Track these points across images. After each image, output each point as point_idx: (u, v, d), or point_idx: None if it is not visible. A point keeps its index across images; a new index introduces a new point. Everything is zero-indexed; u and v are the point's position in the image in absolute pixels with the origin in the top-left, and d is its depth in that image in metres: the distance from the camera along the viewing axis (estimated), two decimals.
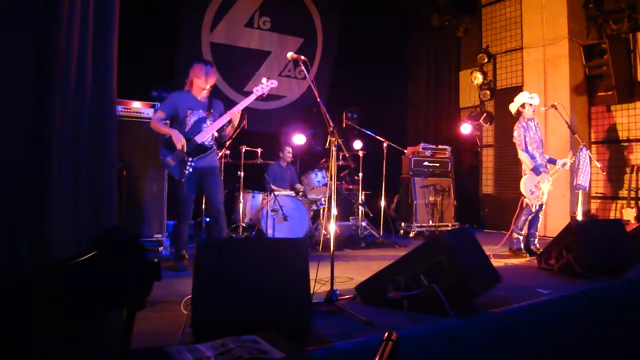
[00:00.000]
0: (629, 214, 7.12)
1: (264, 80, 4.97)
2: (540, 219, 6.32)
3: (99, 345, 1.91)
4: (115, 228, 1.73)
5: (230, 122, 4.94)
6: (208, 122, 4.90)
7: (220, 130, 5.01)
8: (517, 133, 6.17)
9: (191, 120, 4.86)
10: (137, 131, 5.89)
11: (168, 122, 5.06)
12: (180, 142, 4.70)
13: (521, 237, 6.16)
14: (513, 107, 6.36)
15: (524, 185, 6.04)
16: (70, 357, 1.69)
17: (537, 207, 6.07)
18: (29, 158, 2.34)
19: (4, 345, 1.51)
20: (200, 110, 4.91)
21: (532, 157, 6.09)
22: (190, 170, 4.77)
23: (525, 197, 6.06)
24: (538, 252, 5.60)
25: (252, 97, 4.91)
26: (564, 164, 6.14)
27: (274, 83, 5.00)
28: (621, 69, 7.53)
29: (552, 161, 6.28)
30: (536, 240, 6.27)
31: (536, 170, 6.03)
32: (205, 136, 4.85)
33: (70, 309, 1.59)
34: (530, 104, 6.22)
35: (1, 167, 2.27)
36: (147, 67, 6.91)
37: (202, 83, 4.90)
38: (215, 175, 5.01)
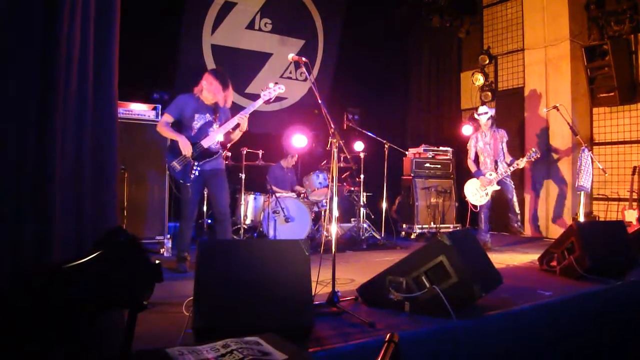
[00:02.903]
0: (631, 216, 7.10)
1: (271, 84, 4.96)
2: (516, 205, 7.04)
3: (100, 347, 1.91)
4: (116, 230, 1.73)
5: (237, 126, 4.91)
6: (214, 126, 4.89)
7: (226, 135, 4.98)
8: (469, 144, 7.28)
9: (197, 124, 4.85)
10: (138, 133, 5.90)
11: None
12: (186, 148, 4.71)
13: (483, 230, 7.01)
14: (484, 118, 7.12)
15: (466, 188, 7.20)
16: (72, 358, 1.69)
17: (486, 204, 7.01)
18: (31, 160, 2.34)
19: (6, 346, 1.51)
20: (207, 114, 4.89)
21: (477, 165, 7.14)
22: (196, 174, 4.76)
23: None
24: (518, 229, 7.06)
25: (259, 102, 4.90)
26: (517, 165, 6.74)
27: (281, 88, 4.99)
28: (623, 70, 7.52)
29: (512, 162, 6.88)
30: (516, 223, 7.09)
31: (476, 175, 7.06)
32: (212, 140, 4.83)
33: (72, 311, 1.60)
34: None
35: (3, 168, 2.27)
36: (148, 69, 6.92)
37: (210, 97, 4.88)
38: (221, 177, 5.00)
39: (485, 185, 6.92)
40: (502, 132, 7.08)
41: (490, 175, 6.91)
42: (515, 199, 6.94)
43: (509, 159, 6.92)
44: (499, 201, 7.32)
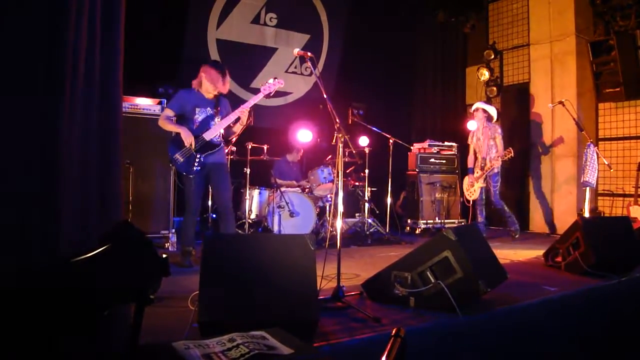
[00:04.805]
0: (636, 212, 7.08)
1: (270, 80, 5.00)
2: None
3: (107, 341, 1.92)
4: (123, 224, 1.74)
5: (238, 119, 4.97)
6: (216, 119, 4.96)
7: (227, 128, 5.04)
8: (468, 140, 7.57)
9: (199, 118, 4.92)
10: (143, 128, 5.91)
11: (174, 119, 5.10)
12: (188, 139, 4.77)
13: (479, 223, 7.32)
14: (493, 111, 7.36)
15: (464, 182, 7.61)
16: (79, 352, 1.70)
17: (478, 199, 7.36)
18: (38, 157, 2.35)
19: (14, 342, 1.52)
20: (208, 108, 4.97)
21: (473, 160, 7.43)
22: (199, 167, 4.81)
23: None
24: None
25: (259, 96, 4.95)
26: (492, 165, 7.07)
27: (281, 82, 5.02)
28: (629, 66, 7.49)
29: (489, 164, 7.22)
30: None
31: (468, 171, 7.47)
32: (214, 133, 4.90)
33: (78, 305, 1.60)
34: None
35: (11, 166, 2.28)
36: (153, 63, 6.91)
37: (211, 87, 4.95)
38: (223, 171, 5.06)
39: (472, 182, 7.37)
40: (494, 127, 7.25)
41: (477, 173, 7.29)
42: (502, 205, 7.25)
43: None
44: (505, 196, 7.45)
